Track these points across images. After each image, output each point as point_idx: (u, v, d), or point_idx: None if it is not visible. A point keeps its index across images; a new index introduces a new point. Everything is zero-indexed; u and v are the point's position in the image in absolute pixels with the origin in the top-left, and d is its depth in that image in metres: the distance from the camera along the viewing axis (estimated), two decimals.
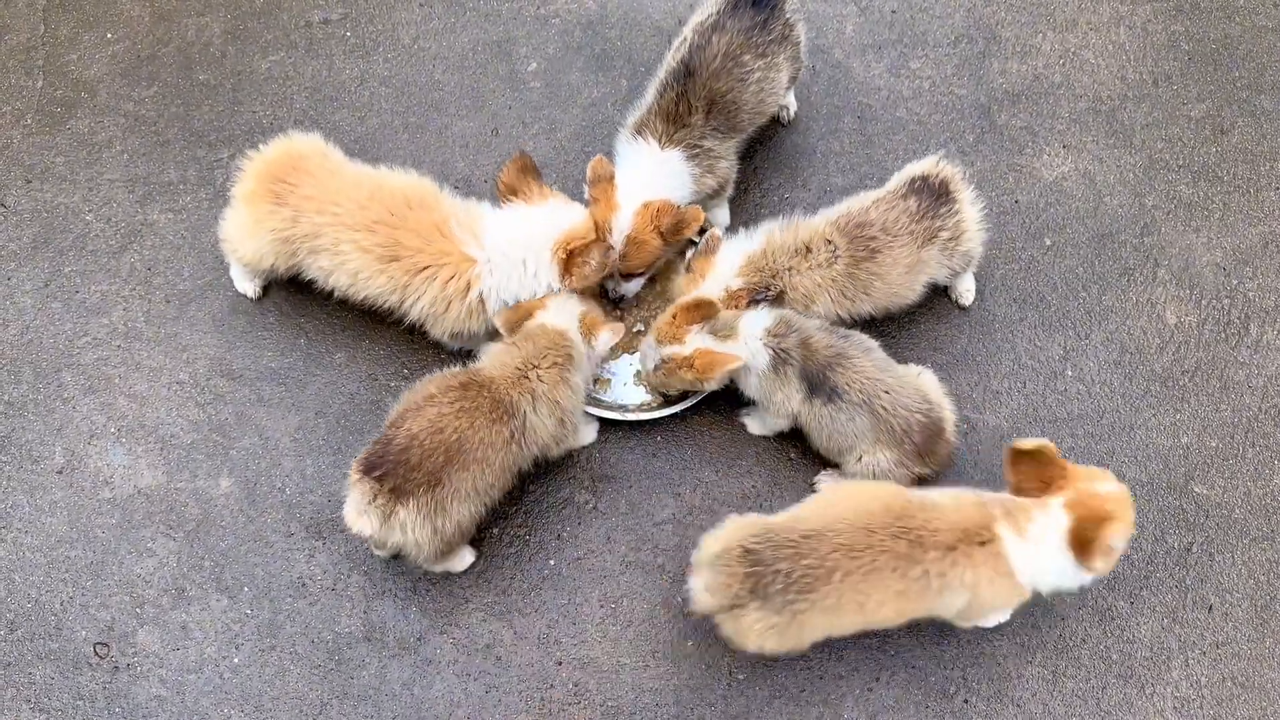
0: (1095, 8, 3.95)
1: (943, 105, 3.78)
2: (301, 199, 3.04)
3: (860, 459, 3.05)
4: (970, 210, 3.22)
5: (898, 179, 3.25)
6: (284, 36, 3.85)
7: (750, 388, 3.11)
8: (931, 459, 3.05)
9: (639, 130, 3.20)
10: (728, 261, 3.15)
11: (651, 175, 3.16)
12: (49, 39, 3.83)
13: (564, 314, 3.06)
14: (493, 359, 3.00)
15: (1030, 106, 3.78)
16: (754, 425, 3.30)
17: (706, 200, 3.36)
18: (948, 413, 3.08)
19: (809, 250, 3.11)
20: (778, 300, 3.13)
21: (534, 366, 2.95)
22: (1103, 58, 3.87)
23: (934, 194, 3.15)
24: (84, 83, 3.77)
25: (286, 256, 3.12)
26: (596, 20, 3.90)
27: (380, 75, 3.79)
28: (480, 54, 3.84)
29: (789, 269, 3.11)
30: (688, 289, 3.15)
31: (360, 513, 2.79)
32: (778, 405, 3.07)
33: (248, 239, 3.14)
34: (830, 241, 3.11)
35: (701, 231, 3.25)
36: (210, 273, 3.49)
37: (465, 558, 3.12)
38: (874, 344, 3.07)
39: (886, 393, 2.97)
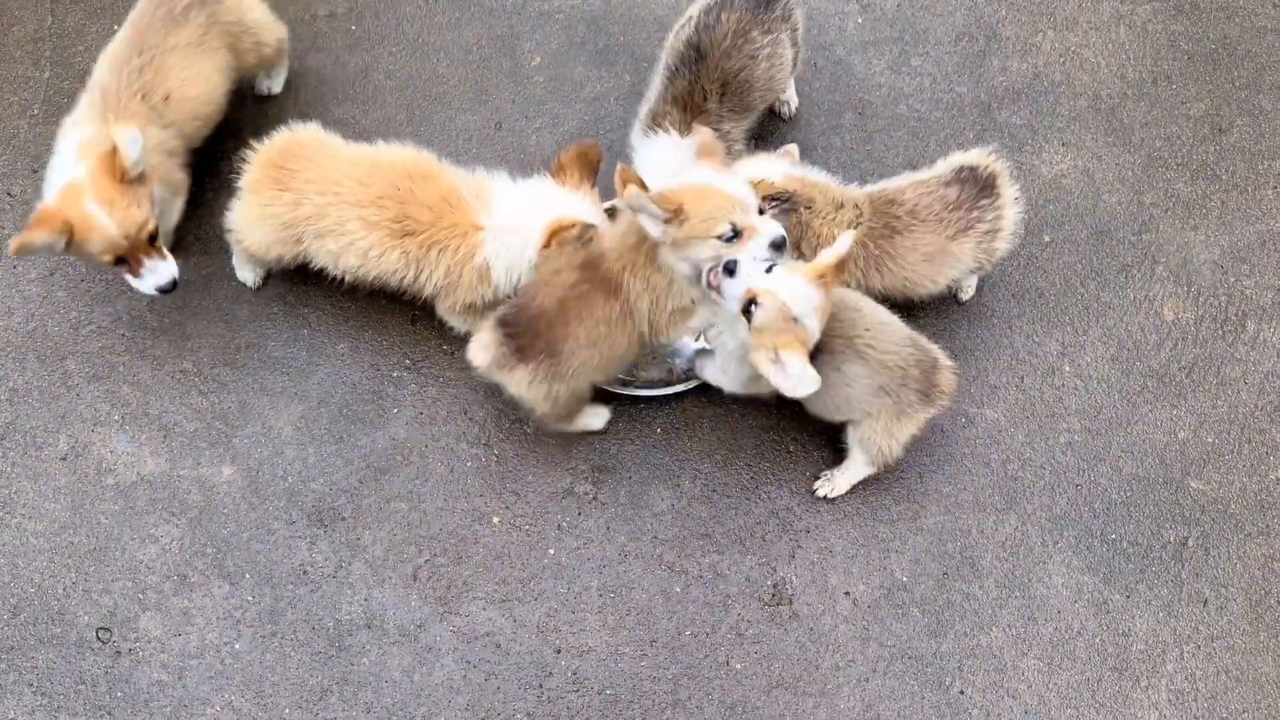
0: (1096, 7, 3.97)
1: (943, 102, 3.80)
2: (303, 182, 3.08)
3: (865, 422, 2.97)
4: (1011, 210, 3.16)
5: (944, 165, 3.19)
6: (290, 29, 3.87)
7: (728, 338, 2.96)
8: (937, 394, 2.95)
9: (655, 123, 3.21)
10: (783, 165, 3.11)
11: (676, 166, 3.16)
12: (56, 30, 3.86)
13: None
14: (613, 231, 3.00)
15: (1030, 104, 3.81)
16: (711, 372, 3.15)
17: None
18: (933, 347, 2.98)
19: (841, 206, 3.07)
20: (792, 212, 3.04)
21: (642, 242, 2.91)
22: (1103, 56, 3.89)
23: (978, 185, 3.10)
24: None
25: (291, 243, 3.15)
26: (600, 15, 3.92)
27: (385, 68, 3.82)
28: (484, 48, 3.87)
29: (822, 219, 3.03)
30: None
31: (483, 347, 2.96)
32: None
33: (254, 228, 3.18)
34: (858, 206, 3.08)
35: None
36: (214, 263, 3.52)
37: (599, 417, 3.27)
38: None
39: (866, 330, 2.87)
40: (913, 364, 2.90)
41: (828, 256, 2.74)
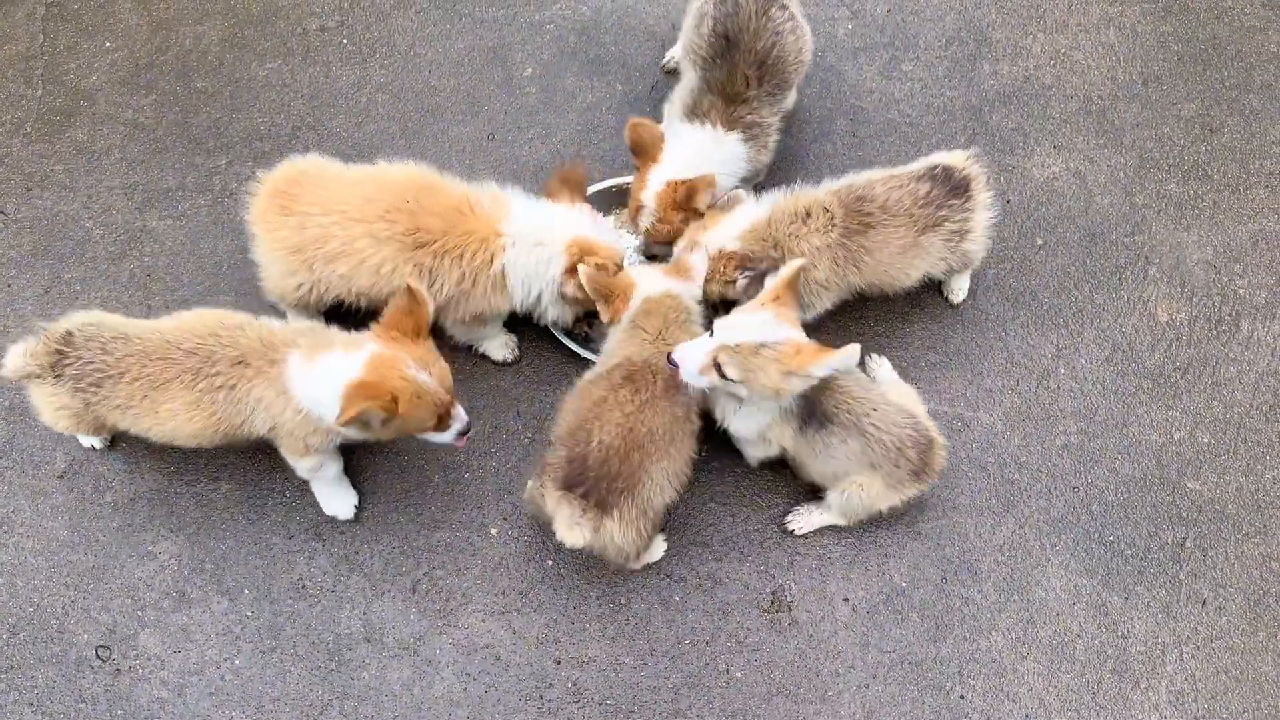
0: (1085, 9, 3.98)
1: (934, 107, 3.81)
2: (305, 206, 3.05)
3: (853, 486, 3.01)
4: (983, 214, 3.19)
5: (920, 162, 3.22)
6: (281, 44, 3.89)
7: (747, 418, 3.00)
8: (928, 473, 3.02)
9: (694, 114, 3.24)
10: (734, 223, 3.14)
11: (707, 156, 3.21)
12: (48, 48, 3.86)
13: (655, 279, 3.11)
14: (625, 346, 3.02)
15: (1021, 107, 3.82)
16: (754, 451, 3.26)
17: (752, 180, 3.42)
18: (929, 423, 3.06)
19: (809, 215, 3.10)
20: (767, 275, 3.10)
21: (666, 330, 3.00)
22: (1093, 59, 3.90)
23: (951, 185, 3.13)
24: (83, 91, 3.80)
25: (305, 270, 3.08)
26: (591, 25, 3.93)
27: (377, 81, 3.83)
28: (476, 59, 3.87)
29: (790, 235, 3.09)
30: (687, 235, 3.19)
31: (572, 526, 2.80)
32: (774, 437, 3.01)
33: (267, 261, 3.14)
34: (828, 210, 3.10)
35: None
36: (209, 278, 3.52)
37: (659, 547, 3.19)
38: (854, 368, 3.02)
39: (874, 410, 2.93)
40: (909, 445, 2.94)
41: (776, 282, 2.83)
